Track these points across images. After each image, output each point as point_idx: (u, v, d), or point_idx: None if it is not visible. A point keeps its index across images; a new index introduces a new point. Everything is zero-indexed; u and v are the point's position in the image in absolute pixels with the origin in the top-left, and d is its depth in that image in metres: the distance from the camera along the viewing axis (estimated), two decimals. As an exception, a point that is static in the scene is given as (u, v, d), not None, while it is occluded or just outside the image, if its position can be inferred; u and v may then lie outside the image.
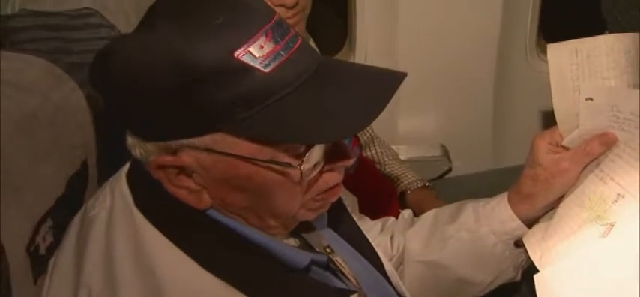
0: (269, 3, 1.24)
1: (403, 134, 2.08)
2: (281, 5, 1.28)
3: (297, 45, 0.81)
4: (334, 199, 0.92)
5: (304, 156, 0.82)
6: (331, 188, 0.89)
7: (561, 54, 1.00)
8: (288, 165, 0.81)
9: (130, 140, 0.85)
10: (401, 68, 0.86)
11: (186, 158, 0.81)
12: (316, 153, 0.83)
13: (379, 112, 0.80)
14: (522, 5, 1.91)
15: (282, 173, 0.82)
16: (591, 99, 0.98)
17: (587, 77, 0.99)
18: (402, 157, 1.94)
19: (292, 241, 0.98)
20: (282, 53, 0.79)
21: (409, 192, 1.76)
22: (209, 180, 0.83)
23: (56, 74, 1.02)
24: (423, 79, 1.97)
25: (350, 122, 0.81)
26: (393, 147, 1.94)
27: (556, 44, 1.01)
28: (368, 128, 1.86)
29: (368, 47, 1.95)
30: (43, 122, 0.96)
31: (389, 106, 1.94)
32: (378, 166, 1.82)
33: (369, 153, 1.85)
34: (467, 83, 2.00)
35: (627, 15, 1.39)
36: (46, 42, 1.10)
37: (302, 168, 0.82)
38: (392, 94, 0.81)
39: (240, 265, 0.86)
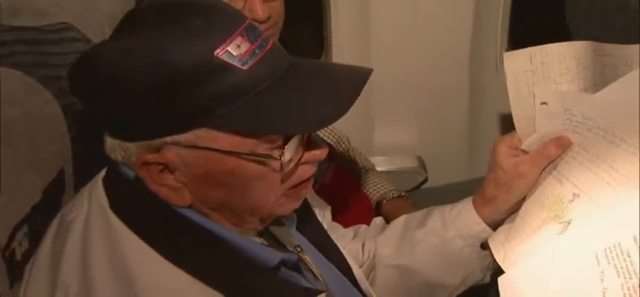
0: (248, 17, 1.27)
1: (379, 146, 2.10)
2: (253, 19, 1.29)
3: (270, 45, 0.86)
4: (306, 192, 0.96)
5: (283, 148, 0.86)
6: (303, 181, 0.93)
7: (517, 61, 1.03)
8: (269, 156, 0.85)
9: (110, 143, 0.88)
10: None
11: (170, 155, 0.84)
12: (293, 145, 0.87)
13: (351, 104, 0.84)
14: (492, 19, 1.94)
15: (263, 164, 0.86)
16: (546, 103, 1.01)
17: (541, 83, 1.02)
18: (378, 168, 1.95)
19: (263, 240, 1.00)
20: (257, 51, 0.84)
21: (385, 201, 1.77)
22: (191, 176, 0.86)
23: (32, 86, 1.05)
24: (399, 92, 2.02)
25: (325, 114, 0.85)
26: (370, 158, 1.96)
27: (512, 52, 1.04)
28: (344, 139, 1.88)
29: (343, 60, 1.96)
30: (20, 132, 0.98)
31: (365, 118, 1.95)
32: (353, 177, 1.84)
33: (344, 163, 1.86)
34: (441, 95, 2.03)
35: (589, 28, 1.43)
36: (24, 56, 1.12)
37: (282, 159, 0.85)
38: (362, 87, 0.86)
39: (213, 264, 0.88)
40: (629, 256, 0.84)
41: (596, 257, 0.87)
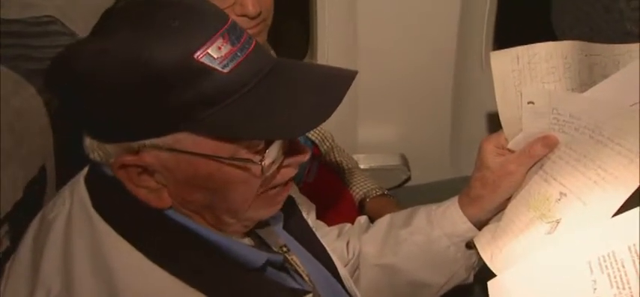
0: (231, 14, 1.26)
1: (363, 143, 2.10)
2: (243, 15, 1.29)
3: (252, 46, 0.84)
4: (285, 195, 0.95)
5: (265, 152, 0.85)
6: (283, 185, 0.92)
7: (504, 61, 1.04)
8: (250, 161, 0.84)
9: (88, 142, 0.86)
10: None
11: (148, 158, 0.83)
12: (275, 149, 0.86)
13: (335, 108, 0.83)
14: (478, 18, 1.95)
15: (244, 169, 0.84)
16: (533, 103, 1.01)
17: (528, 82, 1.03)
18: (361, 166, 1.96)
19: (249, 241, 1.00)
20: (239, 54, 0.82)
21: (368, 200, 1.77)
22: (170, 179, 0.85)
23: (15, 80, 1.03)
24: (383, 90, 2.01)
25: (307, 118, 0.84)
26: (353, 156, 1.96)
27: (498, 52, 1.05)
28: (328, 137, 1.88)
29: (329, 59, 1.97)
30: (2, 128, 0.97)
31: (349, 116, 1.95)
32: (337, 175, 1.84)
33: (328, 161, 1.87)
34: (426, 94, 2.03)
35: (575, 29, 1.43)
36: (8, 48, 1.10)
37: (263, 163, 0.84)
38: (345, 91, 0.85)
39: (196, 264, 0.87)
40: (624, 267, 0.84)
41: (590, 265, 0.87)
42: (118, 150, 0.84)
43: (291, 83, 0.86)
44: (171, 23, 0.80)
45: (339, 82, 0.86)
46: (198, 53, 0.79)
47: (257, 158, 0.84)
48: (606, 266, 0.85)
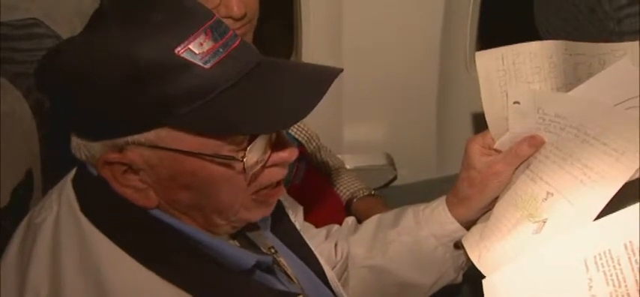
0: (216, 14, 1.26)
1: (349, 143, 2.09)
2: (228, 17, 1.29)
3: (236, 43, 0.85)
4: (276, 197, 0.95)
5: (247, 148, 0.85)
6: (274, 186, 0.92)
7: (489, 61, 1.04)
8: (232, 158, 0.84)
9: (75, 142, 0.87)
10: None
11: (132, 155, 0.83)
12: (258, 146, 0.86)
13: (316, 103, 0.84)
14: (462, 18, 1.95)
15: (227, 166, 0.85)
16: (518, 103, 1.02)
17: (513, 82, 1.03)
18: (347, 166, 1.95)
19: (237, 242, 0.99)
20: (221, 50, 0.83)
21: (355, 200, 1.76)
22: (155, 178, 0.85)
23: (3, 85, 1.03)
24: (368, 90, 2.01)
25: (288, 113, 0.85)
26: (339, 156, 1.96)
27: (484, 51, 1.05)
28: (314, 138, 1.88)
29: (313, 59, 1.95)
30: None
31: (334, 116, 1.94)
32: (324, 176, 1.84)
33: (315, 162, 1.86)
34: (411, 93, 2.03)
35: (559, 29, 1.43)
36: (-6, 52, 1.10)
37: (245, 160, 0.84)
38: (328, 86, 0.85)
39: (185, 266, 0.87)
40: (620, 264, 0.84)
41: (585, 263, 0.87)
42: (103, 148, 0.84)
43: (275, 79, 0.87)
44: (155, 19, 0.81)
45: (323, 77, 0.87)
46: (179, 48, 0.80)
47: (240, 155, 0.85)
48: (602, 264, 0.85)
